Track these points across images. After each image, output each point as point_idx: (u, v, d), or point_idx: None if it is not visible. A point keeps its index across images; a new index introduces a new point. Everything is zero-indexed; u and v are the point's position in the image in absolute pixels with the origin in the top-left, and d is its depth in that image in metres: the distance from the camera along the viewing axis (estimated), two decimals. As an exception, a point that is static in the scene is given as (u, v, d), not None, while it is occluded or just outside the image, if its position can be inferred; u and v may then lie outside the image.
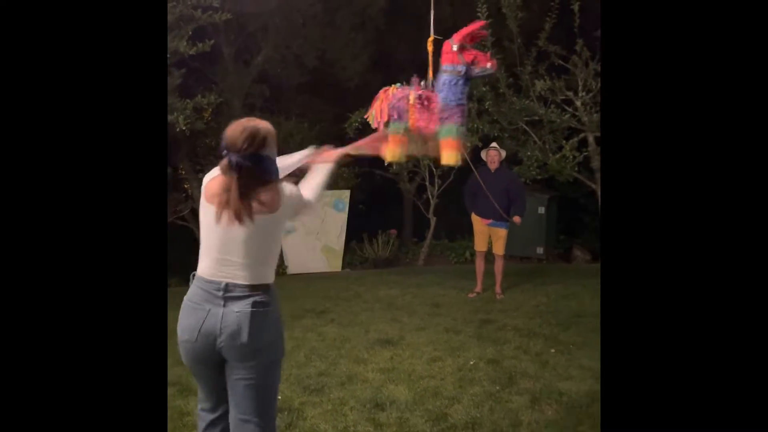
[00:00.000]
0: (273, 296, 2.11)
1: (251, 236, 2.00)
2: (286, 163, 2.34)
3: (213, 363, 2.10)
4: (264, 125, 2.05)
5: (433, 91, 2.72)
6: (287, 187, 2.09)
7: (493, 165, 5.91)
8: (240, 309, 2.01)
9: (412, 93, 2.71)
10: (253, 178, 1.99)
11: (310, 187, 2.32)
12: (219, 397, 2.20)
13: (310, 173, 2.40)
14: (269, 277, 2.10)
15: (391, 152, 2.82)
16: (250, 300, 2.02)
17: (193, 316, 2.05)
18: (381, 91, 2.84)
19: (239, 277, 2.03)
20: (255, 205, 1.98)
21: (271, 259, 2.12)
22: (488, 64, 2.66)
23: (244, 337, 2.00)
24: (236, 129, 2.00)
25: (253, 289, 2.04)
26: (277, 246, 2.13)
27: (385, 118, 2.78)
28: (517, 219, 5.79)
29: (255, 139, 1.98)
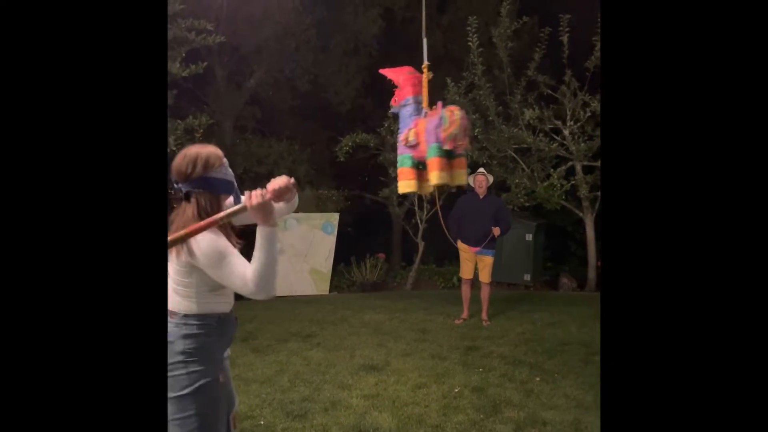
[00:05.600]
0: (184, 328, 1.93)
1: (174, 259, 1.95)
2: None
3: None
4: (206, 149, 2.01)
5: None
6: (212, 240, 1.88)
7: (481, 190, 5.95)
8: None
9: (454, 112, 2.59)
10: (204, 203, 1.97)
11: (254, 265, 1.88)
12: None
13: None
14: (184, 307, 1.94)
15: (438, 176, 2.56)
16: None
17: None
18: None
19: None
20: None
21: (188, 287, 1.94)
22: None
23: None
24: (178, 158, 2.00)
25: (170, 315, 1.95)
26: (198, 278, 1.93)
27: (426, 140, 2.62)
28: (496, 230, 5.84)
29: (196, 163, 1.97)
